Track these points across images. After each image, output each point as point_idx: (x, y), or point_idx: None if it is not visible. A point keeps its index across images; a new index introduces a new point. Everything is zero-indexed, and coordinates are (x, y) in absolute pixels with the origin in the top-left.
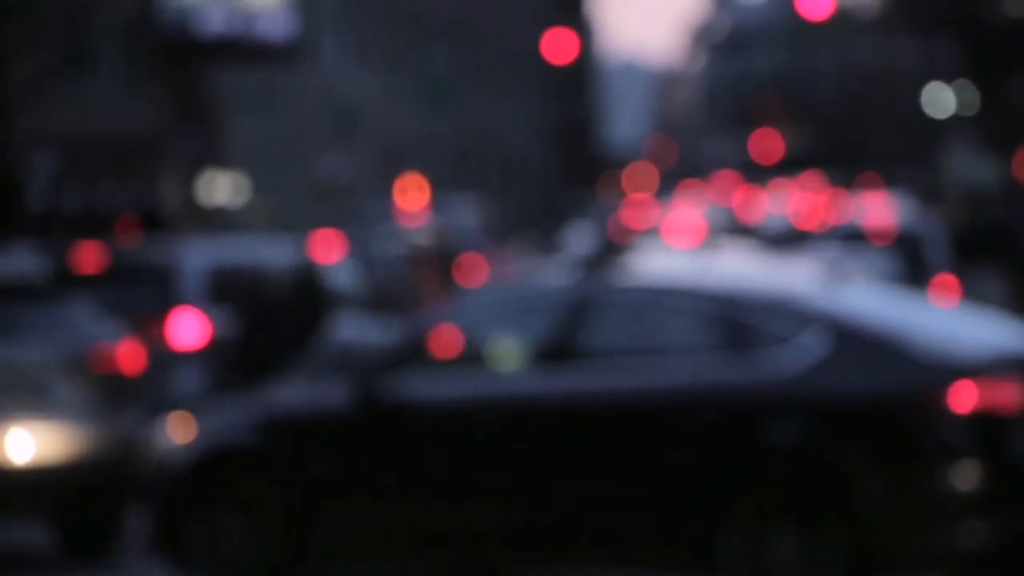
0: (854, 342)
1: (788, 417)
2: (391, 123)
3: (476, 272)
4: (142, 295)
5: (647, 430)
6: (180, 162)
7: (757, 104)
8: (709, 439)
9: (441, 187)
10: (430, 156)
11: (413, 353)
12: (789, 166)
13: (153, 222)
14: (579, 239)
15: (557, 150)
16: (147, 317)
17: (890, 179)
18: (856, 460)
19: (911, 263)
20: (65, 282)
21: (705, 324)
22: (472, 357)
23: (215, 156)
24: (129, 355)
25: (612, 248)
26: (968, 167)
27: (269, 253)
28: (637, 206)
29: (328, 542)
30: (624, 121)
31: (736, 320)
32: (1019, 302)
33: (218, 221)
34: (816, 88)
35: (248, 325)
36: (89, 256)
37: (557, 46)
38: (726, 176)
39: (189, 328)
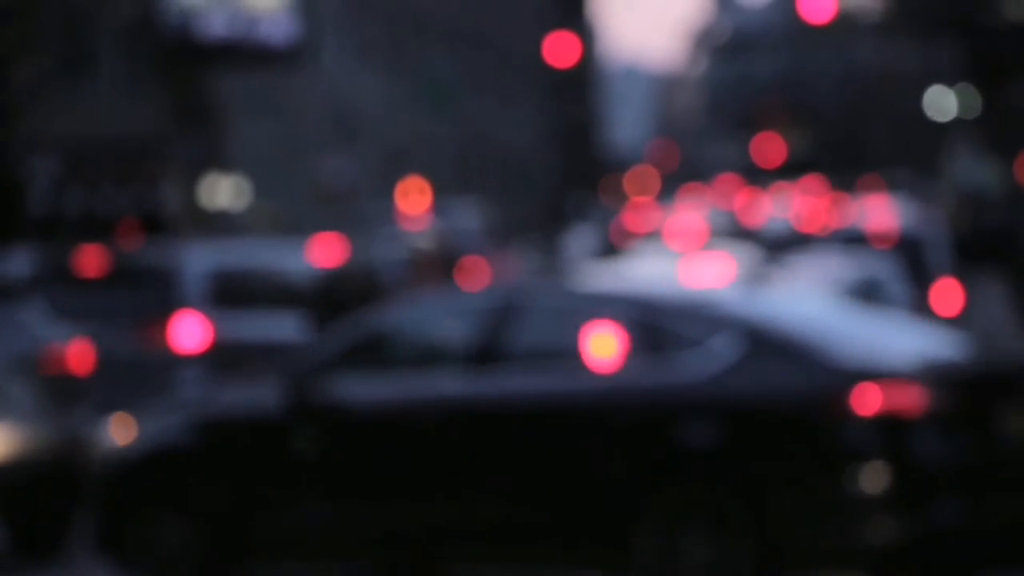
0: (765, 346)
1: (700, 419)
2: (393, 126)
3: (477, 275)
4: (144, 298)
5: (567, 432)
6: (182, 165)
7: (759, 107)
8: (625, 440)
9: (443, 190)
10: (432, 159)
11: (345, 356)
12: (791, 169)
13: (155, 225)
14: (580, 242)
15: (559, 153)
16: (149, 320)
17: (892, 182)
18: (765, 461)
19: (913, 266)
20: (67, 285)
21: (622, 328)
22: (402, 360)
23: (217, 159)
24: (79, 356)
25: (613, 251)
26: (969, 170)
27: (271, 256)
28: (639, 209)
29: (265, 542)
30: (626, 124)
31: (652, 324)
32: (1020, 304)
33: (220, 224)
34: (818, 91)
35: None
36: (91, 259)
37: (559, 49)
38: (728, 179)
39: (191, 331)
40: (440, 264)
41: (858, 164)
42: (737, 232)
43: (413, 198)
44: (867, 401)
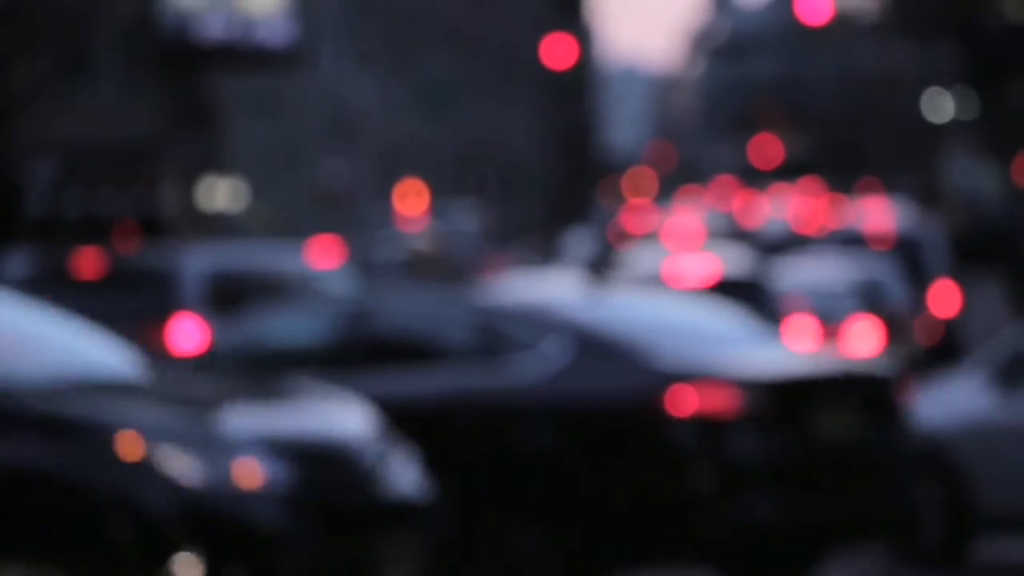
0: (594, 350)
1: (532, 421)
2: (390, 129)
3: (476, 277)
4: (142, 300)
5: (408, 433)
6: (180, 168)
7: (756, 109)
8: (460, 443)
9: (440, 192)
10: (429, 161)
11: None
12: (788, 171)
13: (152, 227)
14: (578, 244)
15: (556, 155)
16: (146, 323)
17: (889, 184)
18: (593, 462)
19: (910, 268)
20: (65, 287)
21: (465, 332)
22: (264, 364)
23: (215, 162)
24: None
25: (611, 253)
26: (967, 172)
27: (269, 258)
28: (636, 211)
29: None
30: (623, 126)
31: (491, 328)
32: (1018, 306)
33: (218, 227)
34: (815, 93)
35: None
36: (89, 261)
37: (557, 51)
38: (725, 181)
39: (188, 334)
40: (438, 266)
41: (856, 166)
42: (735, 234)
43: (411, 200)
44: (681, 403)
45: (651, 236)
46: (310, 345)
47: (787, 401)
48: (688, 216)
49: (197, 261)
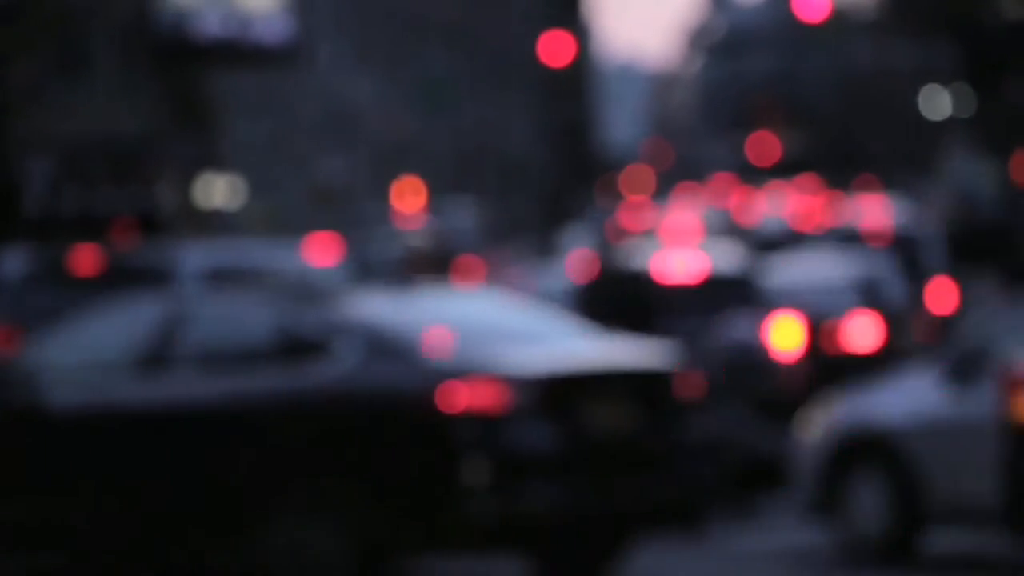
0: (381, 350)
1: (324, 418)
2: (388, 126)
3: (473, 274)
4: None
5: (208, 433)
6: (177, 165)
7: (754, 106)
8: (256, 441)
9: (438, 190)
10: (427, 159)
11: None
12: (786, 168)
13: (150, 225)
14: (576, 241)
15: (554, 152)
16: None
17: (887, 181)
18: (376, 457)
19: (907, 265)
20: (62, 284)
21: (267, 334)
22: (84, 364)
23: (212, 159)
24: None
25: (609, 249)
26: (965, 169)
27: (267, 256)
28: (634, 208)
29: None
30: (621, 123)
31: (291, 332)
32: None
33: (215, 224)
34: (813, 90)
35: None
36: (86, 259)
37: (554, 48)
38: (723, 178)
39: None
40: (436, 263)
41: (853, 163)
42: (732, 230)
43: (409, 198)
44: (452, 399)
45: (649, 233)
46: (121, 349)
47: (559, 395)
48: (685, 213)
49: (195, 258)
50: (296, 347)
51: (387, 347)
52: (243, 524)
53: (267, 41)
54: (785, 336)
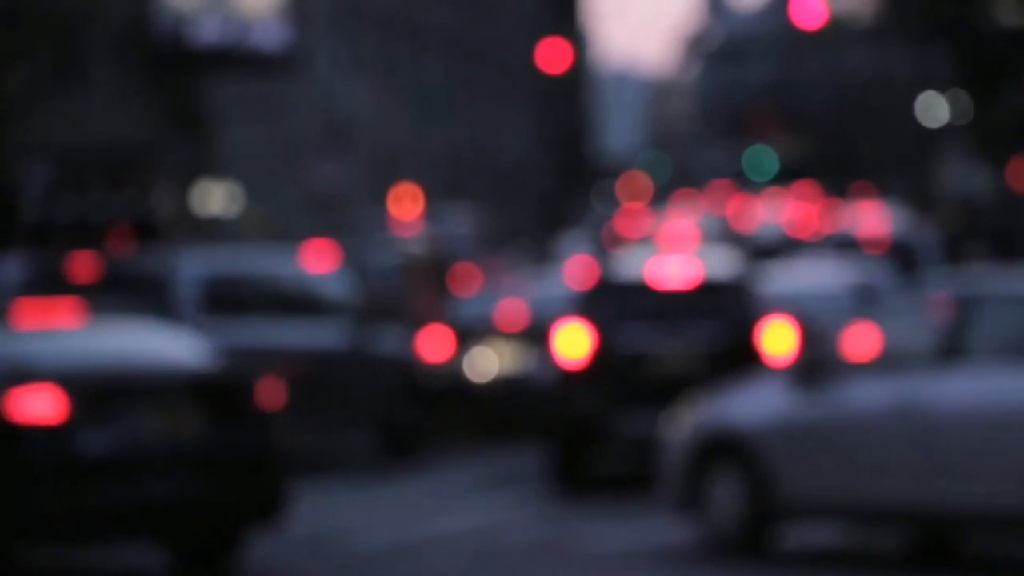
0: None
1: None
2: (385, 133)
3: (470, 281)
4: (136, 305)
5: None
6: (174, 172)
7: (751, 113)
8: None
9: (435, 196)
10: (424, 165)
11: None
12: (783, 175)
13: (147, 232)
14: (573, 248)
15: (551, 159)
16: None
17: (884, 188)
18: None
19: (905, 271)
20: (59, 291)
21: None
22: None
23: (209, 166)
24: None
25: (606, 256)
26: (961, 176)
27: (264, 263)
28: (631, 215)
29: None
30: (618, 130)
31: None
32: None
33: (212, 231)
34: (810, 97)
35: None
36: (83, 266)
37: (551, 55)
38: (720, 185)
39: None
40: (433, 270)
41: (850, 170)
42: (729, 237)
43: (406, 204)
44: (13, 407)
45: (646, 240)
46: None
47: (109, 402)
48: (683, 220)
49: (192, 265)
50: None
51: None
52: None
53: (265, 48)
54: (778, 342)
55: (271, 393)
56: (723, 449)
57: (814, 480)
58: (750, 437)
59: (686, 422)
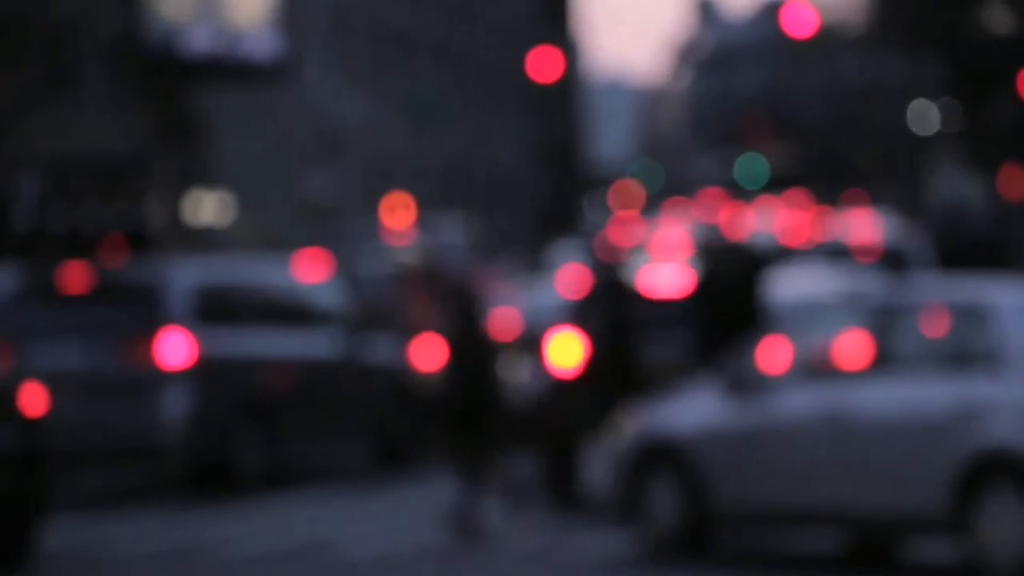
0: None
1: None
2: (377, 142)
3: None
4: (128, 314)
5: None
6: (166, 181)
7: (742, 122)
8: None
9: (427, 206)
10: (416, 175)
11: None
12: (774, 183)
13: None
14: (566, 256)
15: (543, 168)
16: (133, 337)
17: (876, 196)
18: None
19: (896, 279)
20: (51, 301)
21: None
22: None
23: (201, 175)
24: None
25: (598, 265)
26: (953, 184)
27: (256, 272)
28: (624, 223)
29: None
30: (610, 139)
31: None
32: None
33: (204, 240)
34: (801, 106)
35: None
36: (75, 276)
37: (542, 64)
38: (712, 193)
39: (176, 348)
40: (425, 279)
41: (842, 178)
42: None
43: (398, 213)
44: None
45: (638, 248)
46: None
47: None
48: (675, 229)
49: (184, 275)
50: None
51: None
52: None
53: (256, 58)
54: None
55: (34, 397)
56: (660, 457)
57: (748, 486)
58: (685, 445)
59: (625, 430)
